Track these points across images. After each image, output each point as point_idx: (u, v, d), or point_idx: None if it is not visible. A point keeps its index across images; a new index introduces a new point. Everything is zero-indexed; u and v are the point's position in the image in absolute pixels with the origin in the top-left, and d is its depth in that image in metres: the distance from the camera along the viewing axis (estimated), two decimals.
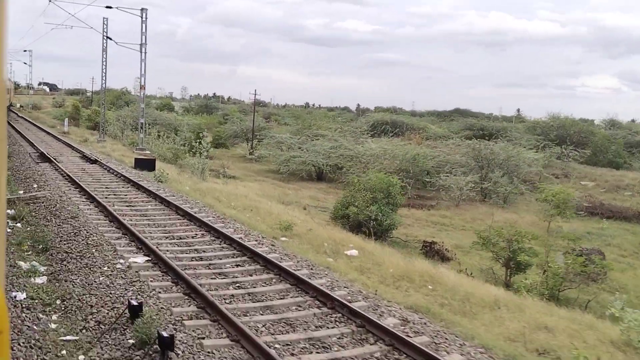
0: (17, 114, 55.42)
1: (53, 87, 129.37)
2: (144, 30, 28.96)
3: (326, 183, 34.82)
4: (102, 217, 13.21)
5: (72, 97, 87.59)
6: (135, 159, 24.22)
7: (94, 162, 23.11)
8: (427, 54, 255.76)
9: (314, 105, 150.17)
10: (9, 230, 11.13)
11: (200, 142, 31.30)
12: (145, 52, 30.98)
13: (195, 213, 13.90)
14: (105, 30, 34.49)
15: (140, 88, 31.70)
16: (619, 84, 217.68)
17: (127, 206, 14.82)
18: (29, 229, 11.78)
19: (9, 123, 21.66)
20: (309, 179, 35.31)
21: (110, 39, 30.53)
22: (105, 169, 21.75)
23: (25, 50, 79.80)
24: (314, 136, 50.27)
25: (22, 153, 24.69)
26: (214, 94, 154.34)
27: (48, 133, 37.52)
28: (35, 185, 16.69)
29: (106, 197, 15.59)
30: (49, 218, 12.75)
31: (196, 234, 12.11)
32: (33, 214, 13.10)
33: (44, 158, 22.77)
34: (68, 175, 18.48)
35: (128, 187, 18.04)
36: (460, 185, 31.24)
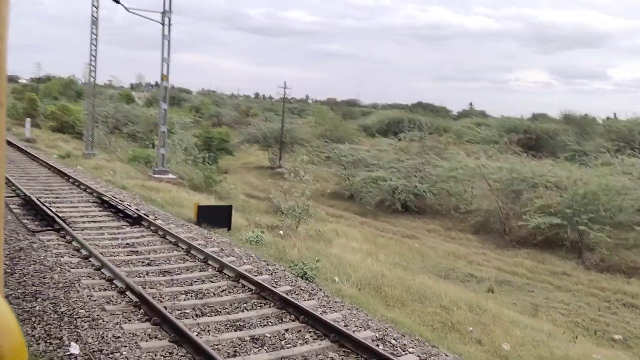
0: None
1: None
2: None
3: (423, 217, 25.00)
4: None
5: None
6: (199, 207, 13.77)
7: (136, 220, 12.38)
8: (371, 46, 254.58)
9: (264, 96, 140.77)
10: None
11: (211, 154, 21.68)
12: (170, 25, 20.37)
13: None
14: None
15: (162, 78, 21.01)
16: (549, 78, 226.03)
17: None
18: None
19: None
20: (388, 209, 25.62)
21: (118, 2, 19.61)
22: (171, 242, 11.02)
23: None
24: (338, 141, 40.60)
25: None
26: (156, 82, 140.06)
27: (7, 142, 25.98)
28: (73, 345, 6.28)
29: None
30: None
31: None
32: None
33: (38, 217, 11.89)
34: (130, 288, 7.96)
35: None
36: None
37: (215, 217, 13.66)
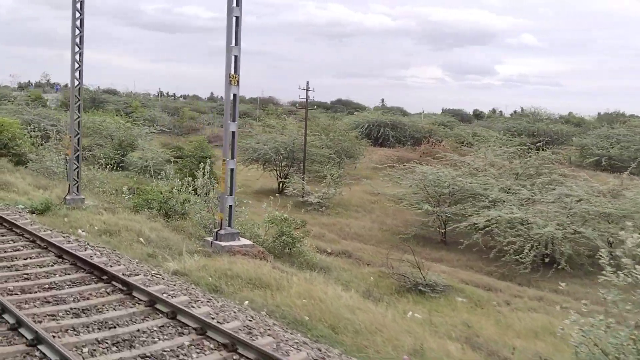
0: None
1: None
2: None
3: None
4: None
5: None
6: None
7: None
8: (271, 43, 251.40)
9: (168, 94, 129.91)
10: None
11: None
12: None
13: None
14: None
15: (230, 80, 12.60)
16: (442, 74, 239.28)
17: None
18: None
19: None
20: (541, 269, 17.35)
21: None
22: None
23: None
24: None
25: None
26: (48, 80, 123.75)
27: None
28: None
29: None
30: None
31: None
32: None
33: None
34: None
35: None
36: None
37: None
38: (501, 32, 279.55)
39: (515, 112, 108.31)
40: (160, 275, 9.59)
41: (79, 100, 15.49)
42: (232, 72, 12.52)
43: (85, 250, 10.48)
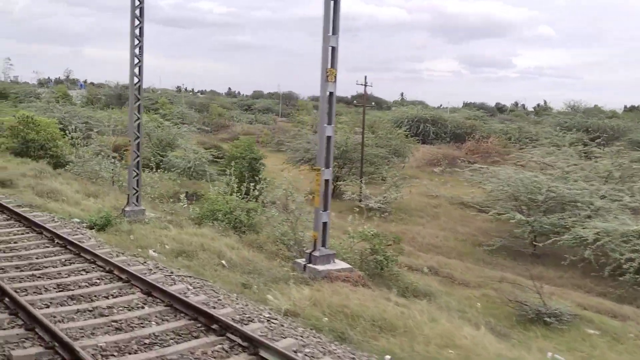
0: None
1: None
2: None
3: None
4: None
5: None
6: None
7: None
8: (282, 37, 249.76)
9: (186, 89, 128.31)
10: None
11: None
12: None
13: None
14: None
15: (328, 76, 10.73)
16: (458, 67, 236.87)
17: None
18: None
19: None
20: None
21: None
22: None
23: None
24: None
25: None
26: (67, 76, 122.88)
27: None
28: None
29: None
30: None
31: None
32: None
33: None
34: None
35: None
36: None
37: None
38: (517, 23, 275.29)
39: (543, 105, 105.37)
40: (276, 319, 7.77)
41: (139, 100, 13.73)
42: (330, 66, 10.62)
43: (174, 284, 8.70)
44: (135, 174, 13.87)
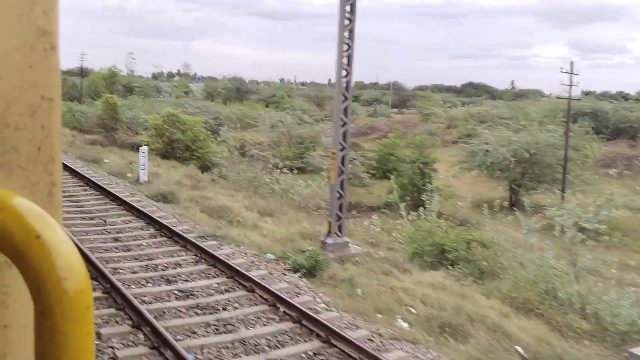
0: None
1: None
2: None
3: None
4: None
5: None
6: None
7: None
8: (383, 26, 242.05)
9: (289, 80, 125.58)
10: None
11: None
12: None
13: None
14: None
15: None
16: (569, 53, 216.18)
17: None
18: None
19: None
20: None
21: None
22: None
23: None
24: None
25: None
26: (178, 70, 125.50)
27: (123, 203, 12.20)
28: None
29: None
30: None
31: None
32: None
33: None
34: None
35: None
36: None
37: None
38: (633, 6, 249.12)
39: None
40: None
41: (347, 99, 10.47)
42: None
43: None
44: (338, 195, 10.67)
